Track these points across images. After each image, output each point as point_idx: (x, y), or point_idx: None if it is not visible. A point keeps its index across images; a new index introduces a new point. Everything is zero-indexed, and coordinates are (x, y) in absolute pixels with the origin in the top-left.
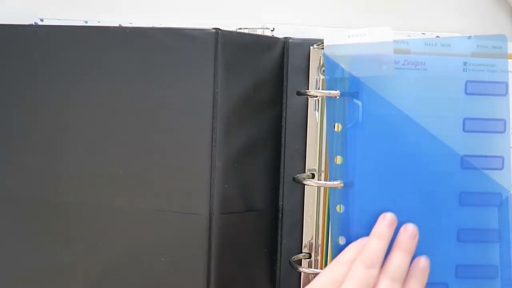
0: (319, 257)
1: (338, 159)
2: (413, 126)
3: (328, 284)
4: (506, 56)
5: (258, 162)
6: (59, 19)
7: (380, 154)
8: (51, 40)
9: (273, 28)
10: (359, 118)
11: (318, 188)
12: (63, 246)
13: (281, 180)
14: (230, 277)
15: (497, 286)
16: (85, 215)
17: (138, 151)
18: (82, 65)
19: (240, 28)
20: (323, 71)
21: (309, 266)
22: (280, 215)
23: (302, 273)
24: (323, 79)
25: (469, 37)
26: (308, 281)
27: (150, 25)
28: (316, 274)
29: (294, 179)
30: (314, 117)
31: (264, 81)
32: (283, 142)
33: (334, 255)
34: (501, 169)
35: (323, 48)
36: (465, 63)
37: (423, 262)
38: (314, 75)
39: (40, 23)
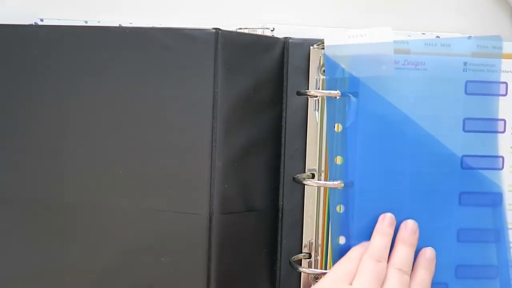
0: (319, 257)
1: (338, 159)
2: (413, 126)
3: (340, 277)
4: (501, 56)
5: (258, 162)
6: (59, 19)
7: (380, 154)
8: (51, 40)
9: (273, 28)
10: (359, 118)
11: (318, 188)
12: (63, 246)
13: (281, 180)
14: (230, 277)
15: (497, 286)
16: (85, 215)
17: (138, 151)
18: (82, 65)
19: (240, 28)
20: (323, 71)
21: (309, 266)
22: (280, 215)
23: (302, 273)
24: (323, 79)
25: (469, 37)
26: (308, 281)
27: (150, 25)
28: (316, 274)
29: (294, 179)
30: (314, 117)
31: (264, 81)
32: (283, 142)
33: (334, 255)
34: (501, 169)
35: (323, 48)
36: (465, 63)
37: (429, 252)
38: (314, 75)
39: (40, 23)
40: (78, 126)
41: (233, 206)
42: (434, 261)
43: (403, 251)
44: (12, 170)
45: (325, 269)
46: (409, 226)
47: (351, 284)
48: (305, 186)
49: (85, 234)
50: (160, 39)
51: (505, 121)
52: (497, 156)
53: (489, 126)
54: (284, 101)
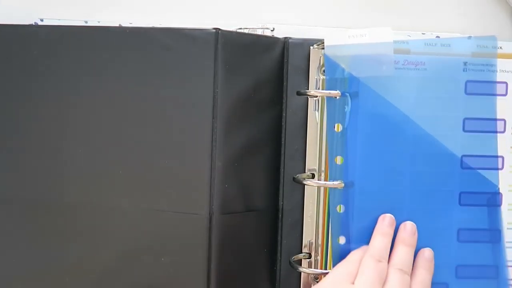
0: (319, 257)
1: (339, 159)
2: (413, 126)
3: (341, 277)
4: (496, 56)
5: (258, 162)
6: (59, 19)
7: (380, 154)
8: (51, 40)
9: (273, 28)
10: (359, 118)
11: (318, 188)
12: (63, 246)
13: (281, 180)
14: (230, 277)
15: (497, 286)
16: (85, 215)
17: (138, 151)
18: (82, 65)
19: (240, 28)
20: (323, 71)
21: (309, 266)
22: (280, 215)
23: (302, 273)
24: (323, 79)
25: (469, 37)
26: (308, 281)
27: (150, 25)
28: (316, 274)
29: (294, 179)
30: (314, 117)
31: (264, 81)
32: (283, 142)
33: (334, 255)
34: (501, 169)
35: (323, 48)
36: (465, 63)
37: (428, 252)
38: (314, 75)
39: (40, 23)
40: (78, 126)
41: (233, 206)
42: (433, 261)
43: (403, 252)
44: (12, 170)
45: (325, 269)
46: (408, 227)
47: (352, 283)
48: (305, 186)
49: (85, 234)
50: (160, 39)
51: (505, 121)
52: (497, 156)
53: (489, 126)
54: (284, 101)
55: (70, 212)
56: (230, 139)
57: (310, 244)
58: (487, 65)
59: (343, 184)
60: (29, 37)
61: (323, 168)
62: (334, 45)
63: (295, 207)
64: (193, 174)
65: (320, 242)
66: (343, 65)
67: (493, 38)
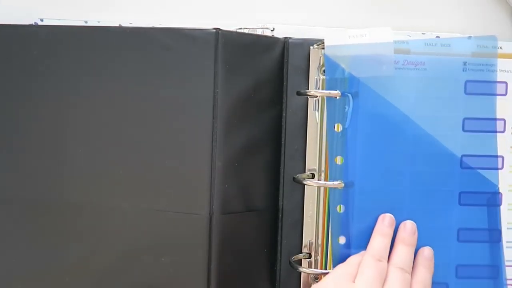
0: (319, 257)
1: (339, 159)
2: (413, 126)
3: (342, 276)
4: (496, 56)
5: (258, 162)
6: (59, 19)
7: (380, 154)
8: (51, 40)
9: (273, 28)
10: (359, 118)
11: (318, 188)
12: (63, 246)
13: (281, 180)
14: (230, 277)
15: (497, 286)
16: (85, 215)
17: (139, 151)
18: (82, 65)
19: (240, 28)
20: (323, 71)
21: (309, 266)
22: (280, 215)
23: (302, 273)
24: (323, 79)
25: (469, 37)
26: (308, 281)
27: (150, 25)
28: (316, 274)
29: (294, 179)
30: (314, 117)
31: (264, 81)
32: (283, 142)
33: (335, 255)
34: (501, 168)
35: (323, 48)
36: (464, 63)
37: (427, 251)
38: (314, 75)
39: (40, 23)
40: (78, 126)
41: (233, 206)
42: (433, 260)
43: (403, 251)
44: (12, 170)
45: (325, 269)
46: (408, 227)
47: (353, 282)
48: (305, 186)
49: (85, 234)
50: (160, 39)
51: (504, 120)
52: (497, 156)
53: (488, 126)
54: (284, 101)
55: (70, 212)
56: (230, 139)
57: (310, 244)
58: (487, 65)
59: (343, 184)
60: (29, 37)
61: (323, 168)
62: (334, 45)
63: (295, 207)
64: (193, 174)
65: (320, 242)
66: (343, 65)
67: (493, 38)
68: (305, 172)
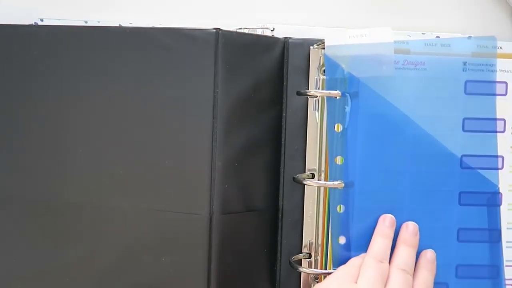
0: (319, 257)
1: (339, 159)
2: (413, 126)
3: (344, 277)
4: (496, 56)
5: (258, 162)
6: (59, 19)
7: (380, 154)
8: (51, 40)
9: (273, 28)
10: (359, 118)
11: (318, 188)
12: (63, 246)
13: (281, 180)
14: (230, 277)
15: (497, 286)
16: (85, 215)
17: (139, 151)
18: (82, 65)
19: (240, 28)
20: (323, 71)
21: (309, 266)
22: (280, 215)
23: (302, 273)
24: (323, 79)
25: (469, 37)
26: (308, 281)
27: (150, 25)
28: (316, 274)
29: (294, 179)
30: (314, 117)
31: (264, 81)
32: (283, 142)
33: (335, 255)
34: (501, 168)
35: (323, 48)
36: (464, 63)
37: (430, 254)
38: (314, 75)
39: (40, 23)
40: (78, 126)
41: (233, 206)
42: (435, 263)
43: (405, 252)
44: (12, 170)
45: (325, 269)
46: (410, 228)
47: (355, 283)
48: (305, 186)
49: (85, 234)
50: (160, 39)
51: (504, 120)
52: (497, 156)
53: (488, 126)
54: (284, 101)
55: (70, 212)
56: (230, 139)
57: (310, 244)
58: (486, 65)
59: (343, 184)
60: (29, 37)
61: (323, 168)
62: (334, 45)
63: (295, 207)
64: (193, 174)
65: (320, 242)
66: (343, 65)
67: (492, 38)
68: (305, 172)
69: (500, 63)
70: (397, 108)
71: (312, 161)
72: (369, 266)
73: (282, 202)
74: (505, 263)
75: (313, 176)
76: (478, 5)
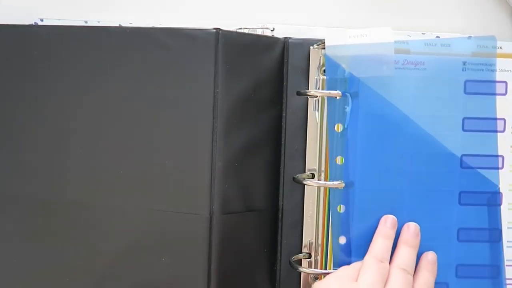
0: (319, 257)
1: (339, 160)
2: (413, 126)
3: (344, 276)
4: (495, 56)
5: (258, 162)
6: (59, 19)
7: (380, 154)
8: (51, 40)
9: (273, 28)
10: (359, 118)
11: (318, 188)
12: (63, 246)
13: (281, 180)
14: (230, 277)
15: (498, 286)
16: (85, 215)
17: (139, 151)
18: (82, 65)
19: (240, 28)
20: (323, 71)
21: (309, 266)
22: (280, 215)
23: (302, 273)
24: (323, 79)
25: (469, 37)
26: (308, 281)
27: (150, 25)
28: (316, 274)
29: (294, 179)
30: (314, 117)
31: (264, 81)
32: (283, 142)
33: (335, 255)
34: (501, 168)
35: (323, 48)
36: (464, 63)
37: (431, 255)
38: (314, 75)
39: (40, 23)
40: (78, 126)
41: (234, 206)
42: (436, 264)
43: (406, 252)
44: (12, 170)
45: (325, 269)
46: (412, 229)
47: (355, 281)
48: (305, 186)
49: (85, 234)
50: (160, 39)
51: (504, 120)
52: (497, 156)
53: (488, 125)
54: (284, 101)
55: (70, 212)
56: (230, 139)
57: (310, 244)
58: (486, 64)
59: (343, 184)
60: (29, 37)
61: (323, 168)
62: (334, 45)
63: (295, 207)
64: (193, 174)
65: (320, 242)
66: (343, 65)
67: (492, 38)
68: (305, 172)
69: (500, 63)
70: (397, 108)
71: (312, 161)
72: (369, 265)
73: (282, 202)
74: (505, 263)
75: (313, 176)
76: (478, 5)
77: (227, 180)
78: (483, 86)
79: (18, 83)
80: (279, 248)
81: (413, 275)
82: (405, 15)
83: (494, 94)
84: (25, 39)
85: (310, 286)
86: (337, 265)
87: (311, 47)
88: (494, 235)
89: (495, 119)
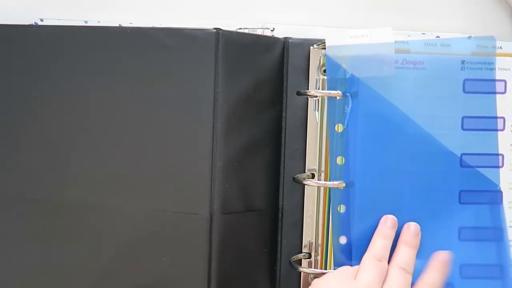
0: (319, 257)
1: (339, 160)
2: (413, 125)
3: (343, 275)
4: (495, 56)
5: (258, 162)
6: (59, 19)
7: (380, 154)
8: (51, 40)
9: (273, 28)
10: (359, 118)
11: (318, 188)
12: (63, 246)
13: (281, 180)
14: (230, 277)
15: (505, 286)
16: (85, 215)
17: (139, 151)
18: (82, 65)
19: (240, 28)
20: (323, 71)
21: (309, 266)
22: (280, 215)
23: (302, 273)
24: (323, 79)
25: (469, 37)
26: (308, 281)
27: (150, 25)
28: (316, 274)
29: (294, 179)
30: (314, 117)
31: (264, 81)
32: (283, 142)
33: (335, 255)
34: (501, 167)
35: (323, 48)
36: (463, 62)
37: (442, 255)
38: (314, 75)
39: (40, 23)
40: (78, 126)
41: (234, 206)
42: (448, 265)
43: (405, 252)
44: (12, 170)
45: (325, 269)
46: (412, 229)
47: (354, 279)
48: (305, 186)
49: (85, 234)
50: (160, 39)
51: (504, 119)
52: (497, 154)
53: (488, 124)
54: (284, 101)
55: (70, 212)
56: (230, 139)
57: (310, 244)
58: (485, 63)
59: (344, 184)
60: (29, 37)
61: (323, 168)
62: (335, 46)
63: (295, 207)
64: (193, 174)
65: (320, 242)
66: (344, 66)
67: (492, 38)
68: (305, 172)
69: (499, 61)
70: (397, 107)
71: (312, 161)
72: (367, 264)
73: (282, 202)
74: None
75: (313, 176)
76: (478, 5)
77: (227, 180)
78: (482, 85)
79: (18, 83)
80: (279, 248)
81: (422, 274)
82: (405, 15)
83: (494, 92)
84: (25, 39)
85: None
86: (338, 265)
87: (311, 47)
88: (497, 234)
89: (496, 117)
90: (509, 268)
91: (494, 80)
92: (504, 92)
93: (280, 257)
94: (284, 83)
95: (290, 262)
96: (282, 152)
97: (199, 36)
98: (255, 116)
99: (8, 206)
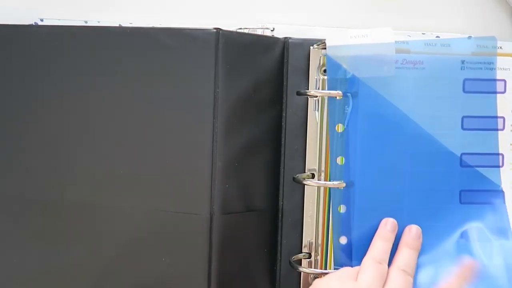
0: (319, 257)
1: (340, 160)
2: (413, 125)
3: (344, 276)
4: (495, 56)
5: (258, 162)
6: (59, 19)
7: (381, 154)
8: (51, 40)
9: (273, 28)
10: (359, 118)
11: (318, 188)
12: (63, 246)
13: (281, 180)
14: (230, 277)
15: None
16: (85, 215)
17: (139, 151)
18: (82, 65)
19: (240, 28)
20: (323, 71)
21: (309, 266)
22: (280, 215)
23: (302, 273)
24: (323, 79)
25: (469, 38)
26: (308, 281)
27: (150, 25)
28: (316, 274)
29: (294, 179)
30: (314, 117)
31: (264, 81)
32: (283, 142)
33: (335, 255)
34: (501, 166)
35: (323, 48)
36: (463, 62)
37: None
38: (314, 75)
39: (40, 23)
40: (78, 126)
41: (234, 206)
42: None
43: (406, 254)
44: (13, 170)
45: (325, 269)
46: (413, 231)
47: (355, 280)
48: (305, 186)
49: (85, 234)
50: (160, 39)
51: (504, 118)
52: (497, 154)
53: (488, 124)
54: (284, 101)
55: (70, 212)
56: (230, 139)
57: (310, 244)
58: (485, 63)
59: (344, 184)
60: (29, 37)
61: (323, 168)
62: (335, 46)
63: (295, 207)
64: (193, 174)
65: (320, 242)
66: (344, 66)
67: (492, 38)
68: (305, 172)
69: (499, 61)
70: (397, 107)
71: (312, 161)
72: (368, 266)
73: (282, 202)
74: None
75: (313, 176)
76: (478, 5)
77: (227, 180)
78: (482, 85)
79: (18, 83)
80: (279, 248)
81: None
82: (405, 15)
83: (494, 92)
84: (25, 39)
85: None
86: (338, 265)
87: (311, 47)
88: (502, 233)
89: (496, 117)
90: None
91: (495, 80)
92: (504, 92)
93: (280, 257)
94: (284, 83)
95: (290, 262)
96: (282, 152)
97: (199, 36)
98: (255, 116)
99: (8, 206)
